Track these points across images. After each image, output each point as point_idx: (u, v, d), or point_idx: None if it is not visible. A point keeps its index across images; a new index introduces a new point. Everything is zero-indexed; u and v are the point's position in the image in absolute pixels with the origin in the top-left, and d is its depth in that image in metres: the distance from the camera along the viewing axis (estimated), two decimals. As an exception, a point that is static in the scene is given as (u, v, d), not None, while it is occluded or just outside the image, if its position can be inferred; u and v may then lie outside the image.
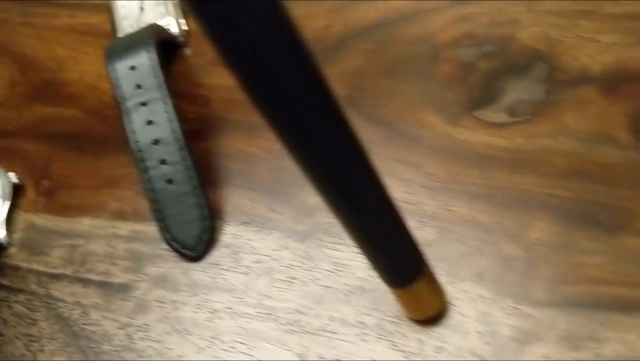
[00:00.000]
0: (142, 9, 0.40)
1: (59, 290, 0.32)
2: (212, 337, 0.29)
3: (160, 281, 0.31)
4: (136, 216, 0.33)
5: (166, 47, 0.38)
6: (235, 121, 0.36)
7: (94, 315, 0.31)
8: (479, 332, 0.27)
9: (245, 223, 0.32)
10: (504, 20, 0.35)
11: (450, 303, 0.28)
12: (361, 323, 0.28)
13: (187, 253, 0.31)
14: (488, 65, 0.34)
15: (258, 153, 0.34)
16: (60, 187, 0.36)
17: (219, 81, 0.37)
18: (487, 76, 0.34)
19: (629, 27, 0.34)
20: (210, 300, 0.30)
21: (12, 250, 0.35)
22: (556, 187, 0.30)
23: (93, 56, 0.40)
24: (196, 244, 0.31)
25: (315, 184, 0.21)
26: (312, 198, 0.32)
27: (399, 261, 0.25)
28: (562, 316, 0.27)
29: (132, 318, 0.31)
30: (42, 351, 0.31)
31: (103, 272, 0.32)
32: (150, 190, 0.31)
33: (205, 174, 0.34)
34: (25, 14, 0.44)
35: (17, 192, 0.36)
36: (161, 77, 0.33)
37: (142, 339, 0.30)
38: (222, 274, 0.31)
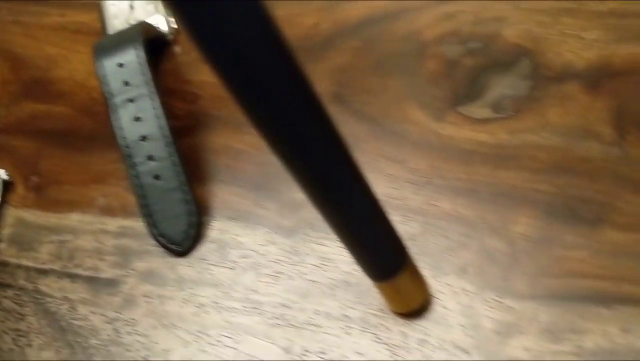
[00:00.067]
0: (131, 7, 0.40)
1: (47, 285, 0.33)
2: (198, 331, 0.30)
3: (148, 276, 0.32)
4: (124, 212, 0.34)
5: (155, 44, 0.38)
6: (224, 117, 0.36)
7: (82, 310, 0.31)
8: (461, 325, 0.27)
9: (232, 218, 0.32)
10: (489, 17, 0.36)
11: (434, 297, 0.28)
12: (346, 316, 0.28)
13: (174, 248, 0.31)
14: (473, 61, 0.34)
15: (245, 149, 0.34)
16: (49, 183, 0.36)
17: (208, 78, 0.37)
18: (471, 72, 0.34)
19: (612, 24, 0.34)
20: (197, 295, 0.31)
21: (1, 246, 0.35)
22: (539, 182, 0.30)
23: (83, 54, 0.41)
24: (183, 240, 0.31)
25: (297, 179, 0.21)
26: (299, 193, 0.32)
27: (382, 254, 0.25)
28: (544, 309, 0.27)
29: (120, 313, 0.31)
30: (30, 345, 0.31)
31: (91, 267, 0.33)
32: (138, 186, 0.32)
33: (193, 170, 0.34)
34: (15, 13, 0.44)
35: (6, 188, 0.36)
36: (149, 74, 0.33)
37: (129, 333, 0.30)
38: (209, 269, 0.31)
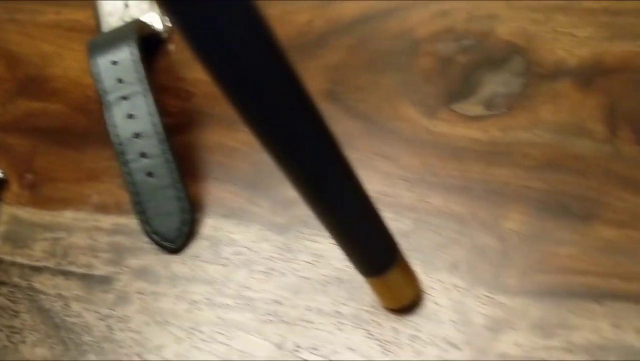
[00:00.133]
0: (126, 5, 0.40)
1: (41, 283, 0.33)
2: (191, 328, 0.30)
3: (141, 273, 0.32)
4: (118, 209, 0.34)
5: (150, 42, 0.38)
6: (217, 115, 0.36)
7: (75, 307, 0.32)
8: (452, 321, 0.27)
9: (225, 216, 0.32)
10: (482, 15, 0.36)
11: (425, 293, 0.28)
12: (338, 312, 0.29)
13: (167, 245, 0.31)
14: (466, 59, 0.35)
15: (239, 147, 0.34)
16: (43, 181, 0.36)
17: (202, 75, 0.37)
18: (465, 69, 0.34)
19: (604, 22, 0.34)
20: (190, 292, 0.31)
21: (-4, 243, 0.35)
22: (531, 179, 0.30)
23: (78, 52, 0.41)
24: (176, 237, 0.31)
25: (289, 175, 0.21)
26: (292, 191, 0.32)
27: (373, 250, 0.25)
28: (535, 304, 0.27)
29: (113, 310, 0.31)
30: (23, 342, 0.31)
31: (85, 264, 0.33)
32: (131, 183, 0.32)
33: (187, 168, 0.34)
34: (10, 11, 0.44)
35: (1, 186, 0.36)
36: (142, 72, 0.33)
37: (122, 330, 0.30)
38: (202, 266, 0.31)
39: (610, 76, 0.33)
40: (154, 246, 0.32)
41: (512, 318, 0.27)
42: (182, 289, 0.31)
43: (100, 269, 0.32)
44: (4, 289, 0.33)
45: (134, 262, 0.32)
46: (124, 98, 0.32)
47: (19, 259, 0.34)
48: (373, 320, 0.28)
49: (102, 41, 0.34)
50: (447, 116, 0.33)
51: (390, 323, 0.28)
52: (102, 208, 0.34)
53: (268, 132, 0.20)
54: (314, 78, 0.36)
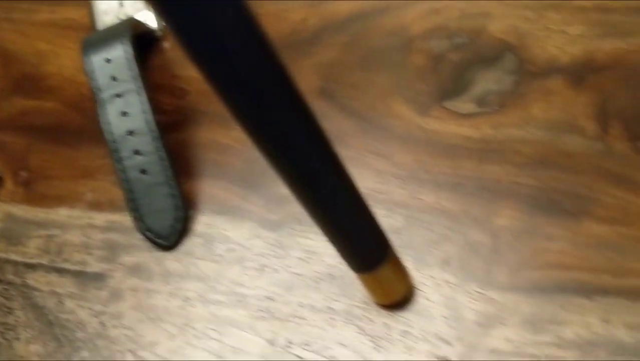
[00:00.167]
0: (121, 4, 0.40)
1: (35, 280, 0.33)
2: (184, 324, 0.30)
3: (135, 270, 0.32)
4: (112, 207, 0.34)
5: (144, 40, 0.39)
6: (211, 112, 0.36)
7: (69, 304, 0.32)
8: (444, 316, 0.27)
9: (218, 213, 0.33)
10: (475, 12, 0.36)
11: (417, 288, 0.28)
12: (330, 308, 0.29)
13: (161, 242, 0.31)
14: (459, 56, 0.35)
15: (232, 144, 0.35)
16: (38, 178, 0.36)
17: (196, 73, 0.37)
18: (457, 67, 0.34)
19: (596, 19, 0.34)
20: (183, 288, 0.31)
21: (-10, 241, 0.35)
22: (522, 175, 0.30)
23: (73, 50, 0.41)
24: (169, 234, 0.31)
25: (280, 172, 0.21)
26: (285, 188, 0.32)
27: (364, 246, 0.25)
28: (525, 300, 0.27)
29: (106, 307, 0.31)
30: (17, 339, 0.31)
31: (79, 262, 0.33)
32: (125, 180, 0.32)
33: (181, 165, 0.34)
34: (6, 10, 0.44)
35: (-5, 184, 0.37)
36: (136, 70, 0.33)
37: (115, 327, 0.30)
38: (195, 263, 0.31)
39: (602, 73, 0.33)
40: (148, 243, 0.32)
41: (503, 313, 0.27)
42: (175, 286, 0.31)
43: (94, 267, 0.32)
44: (-2, 287, 0.33)
45: (127, 259, 0.32)
46: (118, 96, 0.33)
47: (13, 257, 0.34)
48: (365, 316, 0.28)
49: (96, 39, 0.35)
50: (439, 113, 0.33)
51: (381, 319, 0.28)
52: (96, 206, 0.34)
53: (259, 129, 0.20)
54: (308, 76, 0.36)
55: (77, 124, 0.38)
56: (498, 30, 0.35)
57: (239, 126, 0.19)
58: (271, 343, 0.28)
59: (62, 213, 0.35)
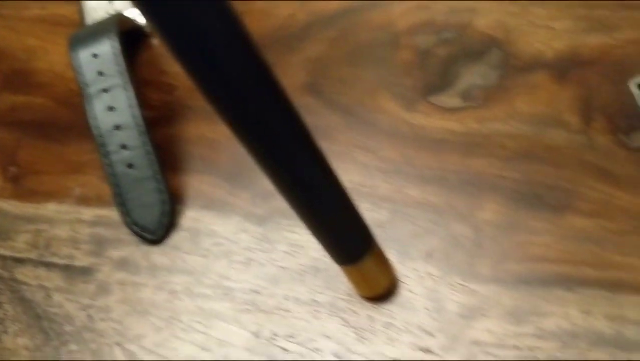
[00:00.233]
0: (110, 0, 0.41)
1: (23, 274, 0.33)
2: (170, 317, 0.30)
3: (122, 264, 0.32)
4: (99, 201, 0.34)
5: (133, 36, 0.39)
6: (199, 108, 0.36)
7: (57, 297, 0.32)
8: (426, 308, 0.28)
9: (205, 207, 0.33)
10: (462, 8, 0.36)
11: (400, 281, 0.28)
12: (314, 301, 0.29)
13: (148, 236, 0.32)
14: (445, 51, 0.35)
15: (220, 140, 0.35)
16: (26, 173, 0.37)
17: (184, 69, 0.38)
18: (443, 62, 0.35)
19: (581, 14, 0.34)
20: (170, 282, 0.31)
21: (-21, 236, 0.35)
22: (506, 169, 0.31)
23: (62, 46, 0.41)
24: (156, 228, 0.32)
25: (264, 168, 0.22)
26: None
27: (346, 238, 0.25)
28: (507, 292, 0.27)
29: (94, 300, 0.31)
30: (5, 332, 0.32)
31: (66, 256, 0.33)
32: (111, 175, 0.32)
33: (168, 160, 0.34)
34: (-4, 6, 0.45)
35: (-16, 179, 0.37)
36: (123, 65, 0.33)
37: (102, 320, 0.31)
38: (182, 257, 0.32)
39: (586, 68, 0.33)
40: (135, 238, 0.32)
41: (485, 305, 0.27)
42: (162, 280, 0.31)
43: (82, 261, 0.33)
44: (-13, 281, 0.34)
45: (114, 253, 0.32)
46: (105, 91, 0.33)
47: (1, 251, 0.34)
48: (349, 308, 0.28)
49: (84, 34, 0.35)
50: (425, 108, 0.33)
51: (365, 311, 0.28)
52: (84, 200, 0.34)
53: (242, 126, 0.20)
54: (296, 71, 0.37)
55: (66, 119, 0.38)
56: (484, 25, 0.35)
57: (223, 123, 0.20)
58: (256, 335, 0.29)
59: (50, 208, 0.35)
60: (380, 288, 0.28)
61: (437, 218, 0.30)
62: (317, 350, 0.28)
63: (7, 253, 0.34)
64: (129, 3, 0.40)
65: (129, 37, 0.38)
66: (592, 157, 0.30)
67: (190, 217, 0.33)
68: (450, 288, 0.28)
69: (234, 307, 0.30)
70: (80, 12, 0.41)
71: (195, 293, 0.30)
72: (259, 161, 0.21)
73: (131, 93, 0.33)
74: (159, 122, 0.36)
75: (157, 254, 0.32)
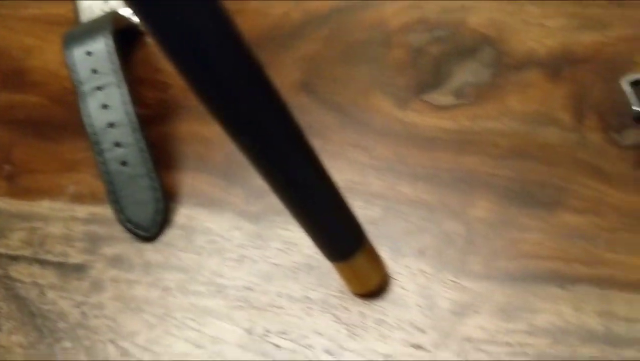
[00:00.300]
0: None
1: (17, 271, 0.33)
2: (164, 314, 0.30)
3: (115, 262, 0.32)
4: (94, 199, 0.34)
5: (128, 35, 0.39)
6: (193, 106, 0.36)
7: (51, 295, 0.32)
8: (418, 305, 0.28)
9: (199, 205, 0.33)
10: (455, 6, 0.36)
11: (392, 278, 0.28)
12: (307, 298, 0.29)
13: (141, 233, 0.32)
14: (438, 50, 0.35)
15: (213, 138, 0.35)
16: (21, 172, 0.37)
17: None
18: (436, 60, 0.35)
19: (573, 12, 0.35)
20: (163, 279, 0.31)
21: (-26, 233, 0.35)
22: (498, 167, 0.31)
23: (58, 45, 0.41)
24: (150, 225, 0.32)
25: (254, 163, 0.22)
26: (265, 179, 0.33)
27: (338, 235, 0.25)
28: (499, 289, 0.27)
29: (87, 297, 0.31)
30: (0, 330, 0.32)
31: (60, 253, 0.33)
32: (105, 172, 0.32)
33: (163, 158, 0.34)
34: (-8, 5, 0.45)
35: (-21, 177, 0.37)
36: (117, 63, 0.33)
37: (96, 317, 0.31)
38: (175, 254, 0.32)
39: (579, 66, 0.33)
40: (129, 235, 0.32)
41: (477, 302, 0.27)
42: (155, 277, 0.31)
43: (76, 258, 0.33)
44: (-19, 278, 0.34)
45: (108, 250, 0.32)
46: (99, 88, 0.33)
47: (-4, 249, 0.34)
48: (341, 305, 0.28)
49: (78, 32, 0.35)
50: (418, 106, 0.33)
51: (357, 308, 0.28)
52: (79, 198, 0.35)
53: (235, 126, 0.21)
54: (290, 70, 0.37)
55: (61, 118, 0.38)
56: (477, 24, 0.35)
57: (212, 118, 0.20)
58: (249, 332, 0.29)
59: (45, 206, 0.35)
60: (372, 285, 0.28)
61: (430, 215, 0.30)
62: (309, 346, 0.28)
63: (1, 250, 0.34)
64: (123, 2, 0.40)
65: (124, 35, 0.38)
66: (584, 155, 0.30)
67: (184, 214, 0.33)
68: (442, 284, 0.28)
69: (227, 304, 0.30)
70: (76, 11, 0.41)
71: (188, 290, 0.31)
72: (250, 158, 0.22)
73: (125, 91, 0.33)
74: (154, 120, 0.36)
75: (151, 252, 0.32)
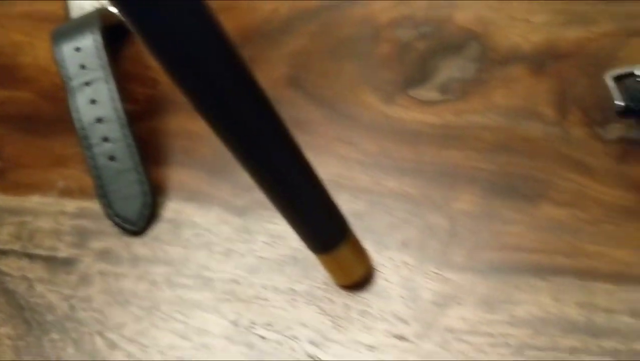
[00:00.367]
0: (97, -5, 0.41)
1: (6, 265, 0.33)
2: (151, 307, 0.30)
3: (103, 255, 0.32)
4: (82, 194, 0.34)
5: (117, 31, 0.39)
6: (182, 102, 0.36)
7: (39, 288, 0.32)
8: (402, 296, 0.28)
9: (186, 199, 0.33)
10: (442, 2, 0.36)
11: (376, 270, 0.29)
12: (292, 290, 0.29)
13: (129, 227, 0.32)
14: (424, 45, 0.35)
15: (201, 133, 0.35)
16: (11, 167, 0.37)
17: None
18: (422, 55, 0.35)
19: (559, 8, 0.35)
20: (150, 272, 0.31)
21: (-36, 228, 0.35)
22: (482, 161, 0.31)
23: (48, 42, 0.41)
24: (137, 219, 0.32)
25: (237, 157, 0.22)
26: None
27: (322, 227, 0.26)
28: (481, 280, 0.28)
29: (75, 291, 0.32)
30: (-12, 323, 0.32)
31: (49, 247, 0.33)
32: (94, 167, 0.32)
33: (150, 152, 0.35)
34: (-17, 2, 0.45)
35: (-31, 172, 0.37)
36: (105, 58, 0.34)
37: (84, 309, 0.31)
38: (163, 248, 0.32)
39: (563, 61, 0.33)
40: (117, 229, 0.33)
41: (459, 293, 0.28)
42: (143, 270, 0.31)
43: (64, 252, 0.33)
44: (-29, 273, 0.34)
45: (96, 244, 0.33)
46: (87, 84, 0.33)
47: (-14, 243, 0.35)
48: (325, 297, 0.29)
49: (67, 28, 0.35)
50: (404, 101, 0.34)
51: (341, 300, 0.28)
52: (68, 193, 0.35)
53: (219, 121, 0.21)
54: (278, 65, 0.37)
55: (51, 113, 0.38)
56: (464, 20, 0.36)
57: (196, 112, 0.20)
58: (235, 324, 0.29)
59: (34, 201, 0.35)
60: (356, 277, 0.28)
61: (414, 208, 0.30)
62: (294, 338, 0.28)
63: (-9, 245, 0.34)
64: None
65: (114, 32, 0.38)
66: (567, 149, 0.31)
67: (171, 209, 0.33)
68: (425, 276, 0.28)
69: (213, 297, 0.30)
70: (66, 8, 0.41)
71: (175, 283, 0.31)
72: (233, 153, 0.22)
73: (113, 86, 0.33)
74: (142, 115, 0.36)
75: (138, 246, 0.32)
